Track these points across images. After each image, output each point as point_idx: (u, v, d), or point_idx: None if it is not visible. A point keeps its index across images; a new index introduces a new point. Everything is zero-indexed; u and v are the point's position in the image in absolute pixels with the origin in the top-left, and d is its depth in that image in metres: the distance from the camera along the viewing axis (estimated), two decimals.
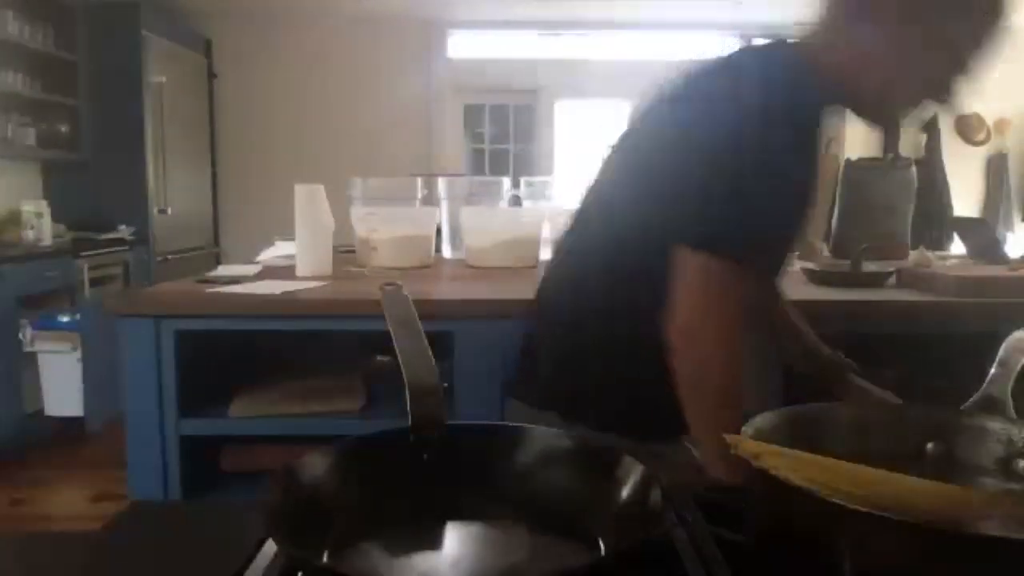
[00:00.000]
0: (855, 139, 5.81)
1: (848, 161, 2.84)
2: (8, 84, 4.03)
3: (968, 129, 5.75)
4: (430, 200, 2.48)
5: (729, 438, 0.61)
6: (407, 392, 0.65)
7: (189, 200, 5.08)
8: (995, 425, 0.71)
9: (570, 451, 0.70)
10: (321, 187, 2.00)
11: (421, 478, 0.67)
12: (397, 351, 0.68)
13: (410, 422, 0.66)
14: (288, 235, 2.31)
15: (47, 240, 3.97)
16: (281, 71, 5.50)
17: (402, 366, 0.66)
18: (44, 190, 4.57)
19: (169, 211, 4.73)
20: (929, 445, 0.72)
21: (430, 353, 0.67)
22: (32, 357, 3.61)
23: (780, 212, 0.99)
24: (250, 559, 0.62)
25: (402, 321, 0.71)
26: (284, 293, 1.69)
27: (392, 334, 0.69)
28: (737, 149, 0.94)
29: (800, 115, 0.98)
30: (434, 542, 0.64)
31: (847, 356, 1.33)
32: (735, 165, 0.94)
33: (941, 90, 1.01)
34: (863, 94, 1.04)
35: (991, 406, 0.75)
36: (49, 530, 2.73)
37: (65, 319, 3.64)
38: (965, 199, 5.77)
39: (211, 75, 5.42)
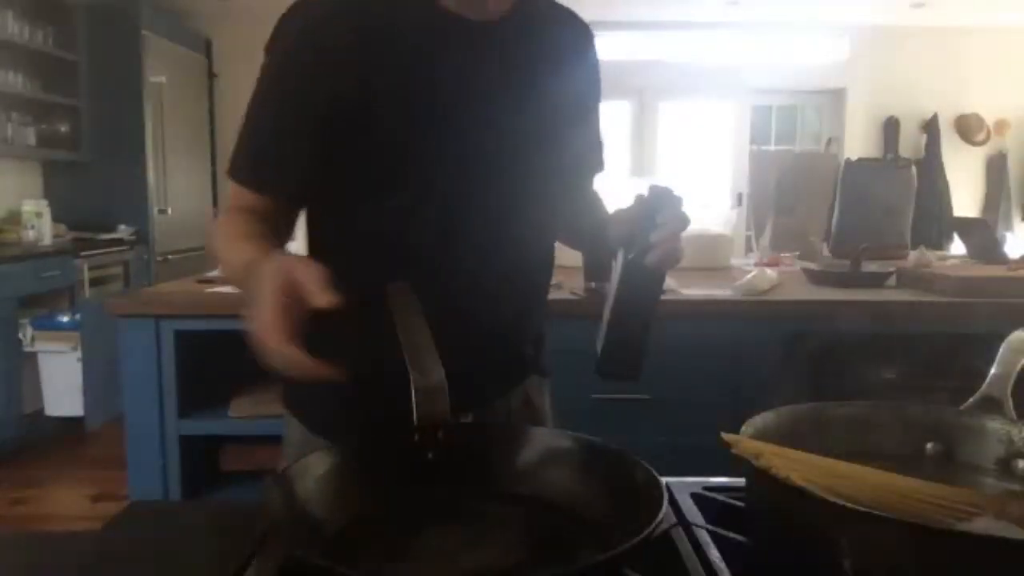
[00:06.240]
0: (855, 139, 5.80)
1: (848, 161, 2.83)
2: (8, 84, 4.03)
3: (968, 129, 5.75)
4: None
5: (729, 437, 0.61)
6: (412, 391, 0.65)
7: (189, 200, 5.07)
8: (995, 425, 0.71)
9: (571, 451, 0.70)
10: None
11: (423, 478, 0.67)
12: (403, 349, 0.68)
13: (415, 421, 0.66)
14: None
15: (47, 240, 3.97)
16: None
17: (408, 364, 0.66)
18: (44, 190, 4.56)
19: (169, 211, 4.72)
20: (929, 445, 0.72)
21: (435, 351, 0.67)
22: (32, 357, 3.61)
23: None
24: (250, 559, 0.62)
25: (407, 319, 0.71)
26: None
27: (398, 332, 0.69)
28: None
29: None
30: (435, 542, 0.64)
31: (848, 356, 1.32)
32: None
33: None
34: None
35: (991, 406, 0.75)
36: (49, 530, 2.73)
37: (65, 319, 3.64)
38: (965, 199, 5.76)
39: (211, 75, 5.41)
